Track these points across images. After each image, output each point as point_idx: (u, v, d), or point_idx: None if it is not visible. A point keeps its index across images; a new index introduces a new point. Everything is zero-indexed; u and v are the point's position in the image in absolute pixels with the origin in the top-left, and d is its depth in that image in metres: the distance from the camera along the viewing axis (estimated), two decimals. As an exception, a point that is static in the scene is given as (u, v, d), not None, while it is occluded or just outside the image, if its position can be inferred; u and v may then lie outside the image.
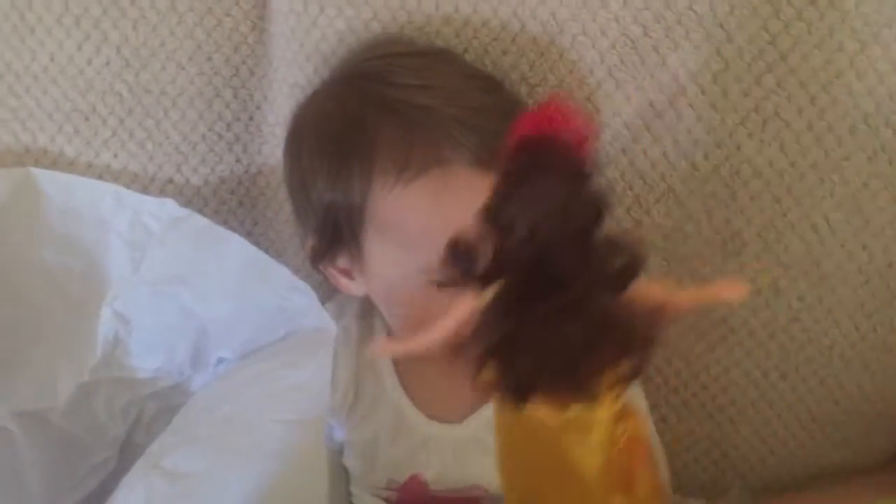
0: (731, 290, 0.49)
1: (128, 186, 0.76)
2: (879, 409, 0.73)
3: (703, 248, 0.71)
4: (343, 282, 0.70)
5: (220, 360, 0.76)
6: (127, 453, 0.79)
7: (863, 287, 0.69)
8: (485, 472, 0.67)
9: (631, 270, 0.43)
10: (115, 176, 0.76)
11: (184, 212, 0.74)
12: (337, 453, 0.72)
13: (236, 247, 0.71)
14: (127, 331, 0.74)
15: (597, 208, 0.42)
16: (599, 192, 0.42)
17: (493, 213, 0.43)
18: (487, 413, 0.69)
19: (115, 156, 0.75)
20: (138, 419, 0.79)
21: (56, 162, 0.75)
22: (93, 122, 0.75)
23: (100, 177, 0.76)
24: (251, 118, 0.77)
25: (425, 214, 0.62)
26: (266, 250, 0.69)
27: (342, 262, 0.69)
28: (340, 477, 0.72)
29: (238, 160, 0.78)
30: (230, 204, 0.79)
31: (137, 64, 0.74)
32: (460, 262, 0.43)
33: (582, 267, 0.42)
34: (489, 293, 0.43)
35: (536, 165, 0.42)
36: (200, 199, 0.78)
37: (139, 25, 0.74)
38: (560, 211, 0.41)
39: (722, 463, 0.77)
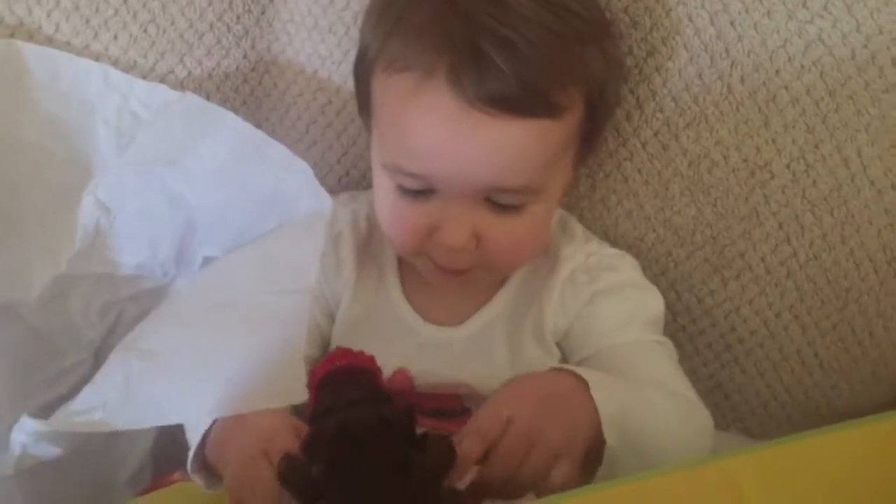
0: None
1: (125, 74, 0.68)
2: (888, 357, 0.68)
3: (730, 176, 0.65)
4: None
5: (206, 260, 0.68)
6: (102, 360, 0.71)
7: (887, 229, 0.63)
8: (474, 372, 0.62)
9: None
10: (113, 61, 0.67)
11: (176, 95, 0.66)
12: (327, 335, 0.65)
13: (231, 125, 0.63)
14: (109, 221, 0.66)
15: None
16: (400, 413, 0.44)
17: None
18: (486, 316, 0.63)
19: (115, 38, 0.67)
20: (116, 323, 0.71)
21: (51, 39, 0.66)
22: (94, -2, 0.66)
23: (97, 61, 0.67)
24: (263, 12, 0.69)
25: (390, 112, 0.57)
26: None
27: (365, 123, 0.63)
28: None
29: (245, 56, 0.70)
30: (233, 103, 0.70)
31: (147, -62, 0.66)
32: (291, 485, 0.45)
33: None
34: None
35: (338, 394, 0.46)
36: (202, 95, 0.68)
37: None
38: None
39: (723, 405, 0.71)
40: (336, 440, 0.43)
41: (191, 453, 0.54)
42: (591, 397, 0.50)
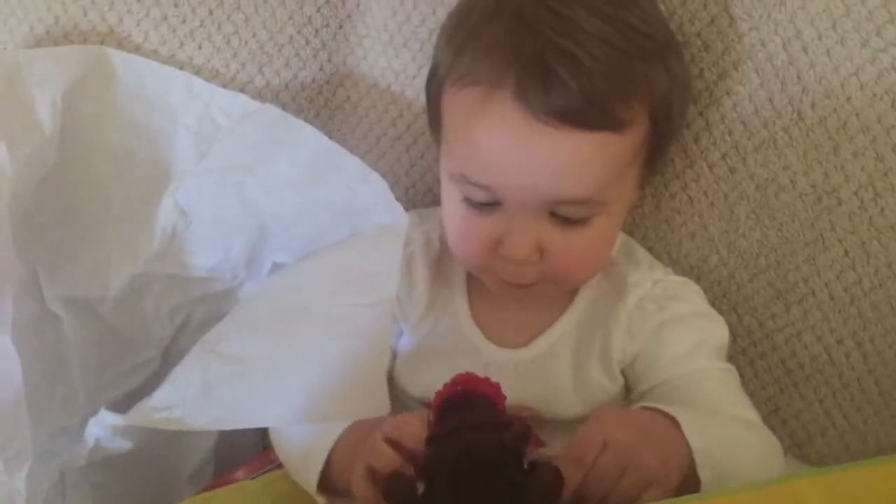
0: None
1: (208, 82, 0.70)
2: (952, 389, 0.67)
3: (797, 201, 0.65)
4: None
5: (276, 266, 0.70)
6: (170, 358, 0.73)
7: (954, 259, 0.63)
8: (538, 395, 0.63)
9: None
10: (196, 70, 0.69)
11: (255, 105, 0.68)
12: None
13: (308, 137, 0.65)
14: (185, 224, 0.68)
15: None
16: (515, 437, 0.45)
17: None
18: (551, 338, 0.64)
19: (200, 48, 0.69)
20: (185, 324, 0.73)
21: (139, 48, 0.69)
22: (182, 10, 0.68)
23: (181, 69, 0.69)
24: (340, 26, 0.71)
25: (458, 124, 0.58)
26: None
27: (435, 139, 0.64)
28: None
29: (321, 68, 0.72)
30: (307, 113, 0.72)
31: (234, -46, 0.68)
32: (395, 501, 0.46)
33: None
34: None
35: (461, 417, 0.46)
36: (278, 105, 0.70)
37: (240, -86, 0.67)
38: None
39: (780, 430, 0.70)
40: (458, 462, 0.44)
41: (316, 474, 0.55)
42: (682, 434, 0.51)
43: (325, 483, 0.56)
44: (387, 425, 0.50)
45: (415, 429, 0.48)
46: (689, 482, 0.51)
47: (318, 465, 0.55)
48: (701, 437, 0.51)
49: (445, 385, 0.48)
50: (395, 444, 0.49)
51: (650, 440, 0.49)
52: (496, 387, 0.48)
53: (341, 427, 0.56)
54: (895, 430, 0.69)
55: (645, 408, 0.54)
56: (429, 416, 0.47)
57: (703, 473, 0.51)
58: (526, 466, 0.45)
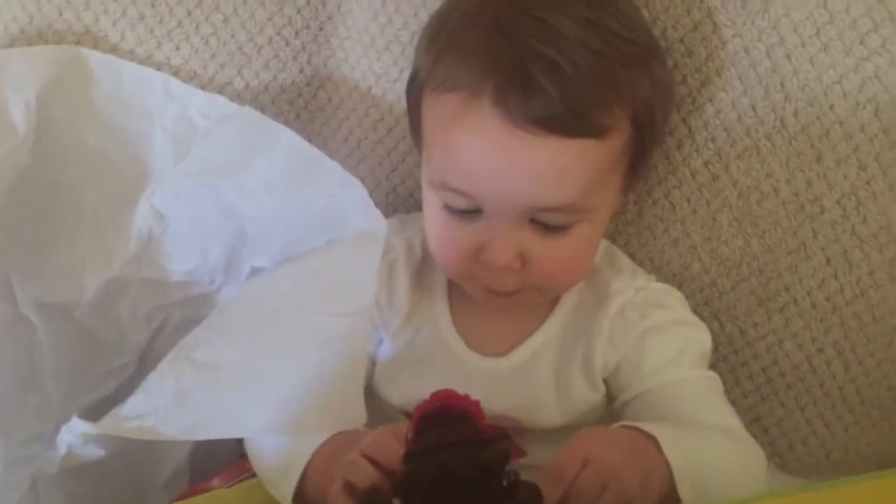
0: None
1: (186, 84, 0.69)
2: (934, 398, 0.67)
3: (779, 209, 0.64)
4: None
5: (254, 270, 0.69)
6: (146, 362, 0.72)
7: (937, 269, 0.63)
8: (519, 405, 0.62)
9: None
10: (174, 71, 0.68)
11: (234, 107, 0.67)
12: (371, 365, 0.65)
13: (286, 140, 0.64)
14: (162, 227, 0.67)
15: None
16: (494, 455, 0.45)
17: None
18: (533, 346, 0.63)
19: (178, 48, 0.68)
20: (162, 328, 0.72)
21: (116, 48, 0.67)
22: (159, 10, 0.67)
23: (158, 70, 0.68)
24: (321, 28, 0.70)
25: (437, 131, 0.58)
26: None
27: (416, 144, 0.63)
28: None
29: (301, 70, 0.71)
30: (287, 116, 0.71)
31: (213, -47, 0.67)
32: None
33: None
34: None
35: (440, 434, 0.46)
36: (257, 107, 0.70)
37: (220, -87, 0.66)
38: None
39: (761, 439, 0.70)
40: (436, 479, 0.43)
41: (292, 488, 0.54)
42: (661, 452, 0.50)
43: (301, 496, 0.55)
44: (365, 440, 0.49)
45: (392, 444, 0.47)
46: (669, 500, 0.50)
47: (294, 479, 0.54)
48: (681, 454, 0.51)
49: (425, 400, 0.47)
50: (373, 459, 0.48)
51: (630, 458, 0.48)
52: (476, 403, 0.47)
53: (318, 439, 0.55)
54: (876, 439, 0.68)
55: (625, 426, 0.54)
56: (407, 432, 0.46)
57: (683, 491, 0.50)
58: (505, 483, 0.44)
